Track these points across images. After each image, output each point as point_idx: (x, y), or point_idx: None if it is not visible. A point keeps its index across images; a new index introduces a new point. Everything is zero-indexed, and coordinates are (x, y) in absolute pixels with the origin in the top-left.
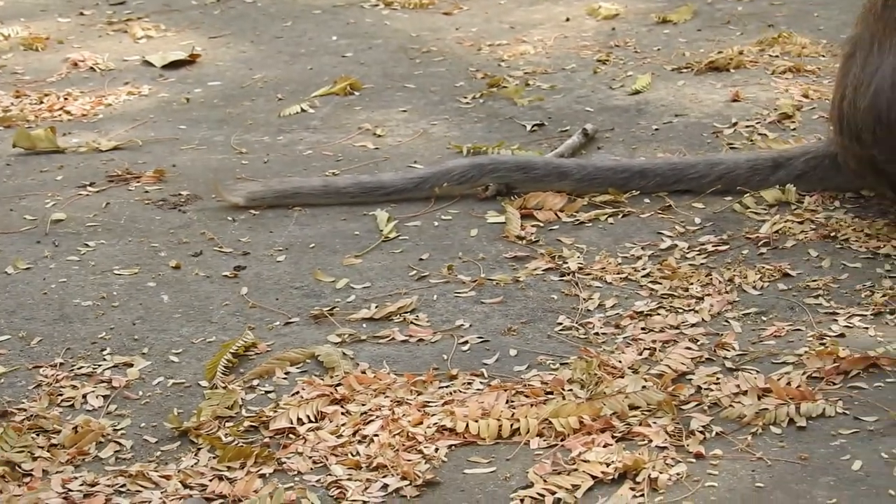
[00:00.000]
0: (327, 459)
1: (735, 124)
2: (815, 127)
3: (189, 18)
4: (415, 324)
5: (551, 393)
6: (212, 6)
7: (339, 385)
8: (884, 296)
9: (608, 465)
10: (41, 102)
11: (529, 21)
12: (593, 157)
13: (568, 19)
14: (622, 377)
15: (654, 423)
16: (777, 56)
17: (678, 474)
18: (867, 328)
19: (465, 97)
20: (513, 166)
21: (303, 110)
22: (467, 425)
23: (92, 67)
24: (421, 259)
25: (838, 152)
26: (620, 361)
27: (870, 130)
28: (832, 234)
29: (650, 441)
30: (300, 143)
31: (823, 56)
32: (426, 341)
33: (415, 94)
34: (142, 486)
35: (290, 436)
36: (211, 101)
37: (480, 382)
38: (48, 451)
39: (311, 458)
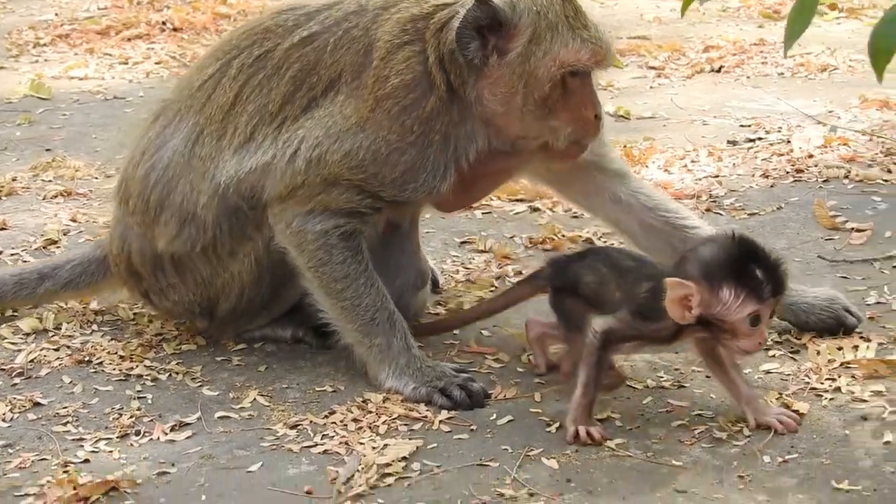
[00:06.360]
0: None
1: (0, 253)
2: (81, 250)
3: None
4: None
5: None
6: None
7: None
8: (131, 417)
9: None
10: None
11: None
12: None
13: None
14: None
15: None
16: (50, 181)
17: None
18: (112, 451)
19: None
20: None
21: None
22: None
23: None
24: None
25: (111, 228)
26: None
27: (135, 199)
28: (87, 358)
29: None
30: None
31: (97, 178)
32: None
33: None
34: None
35: None
36: None
37: None
38: None
39: None
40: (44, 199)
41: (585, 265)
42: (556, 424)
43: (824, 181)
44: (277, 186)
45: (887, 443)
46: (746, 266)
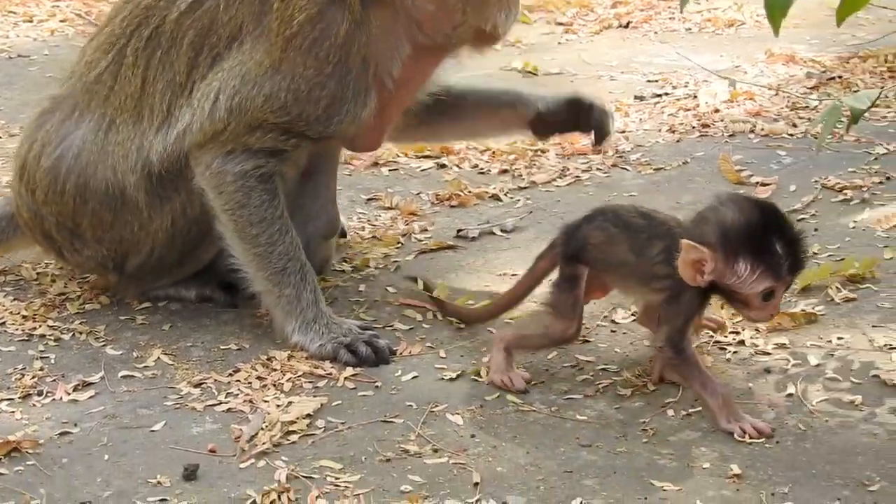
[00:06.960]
0: None
1: None
2: None
3: None
4: None
5: None
6: None
7: None
8: (33, 377)
9: None
10: None
11: None
12: None
13: None
14: None
15: None
16: None
17: None
18: (14, 412)
19: None
20: None
21: None
22: None
23: None
24: None
25: (17, 203)
26: None
27: (45, 190)
28: None
29: None
30: None
31: (1, 137)
32: None
33: None
34: None
35: None
36: None
37: None
38: None
39: None
40: None
41: (594, 226)
42: (456, 376)
43: (730, 136)
44: (197, 136)
45: (790, 395)
46: (767, 239)
